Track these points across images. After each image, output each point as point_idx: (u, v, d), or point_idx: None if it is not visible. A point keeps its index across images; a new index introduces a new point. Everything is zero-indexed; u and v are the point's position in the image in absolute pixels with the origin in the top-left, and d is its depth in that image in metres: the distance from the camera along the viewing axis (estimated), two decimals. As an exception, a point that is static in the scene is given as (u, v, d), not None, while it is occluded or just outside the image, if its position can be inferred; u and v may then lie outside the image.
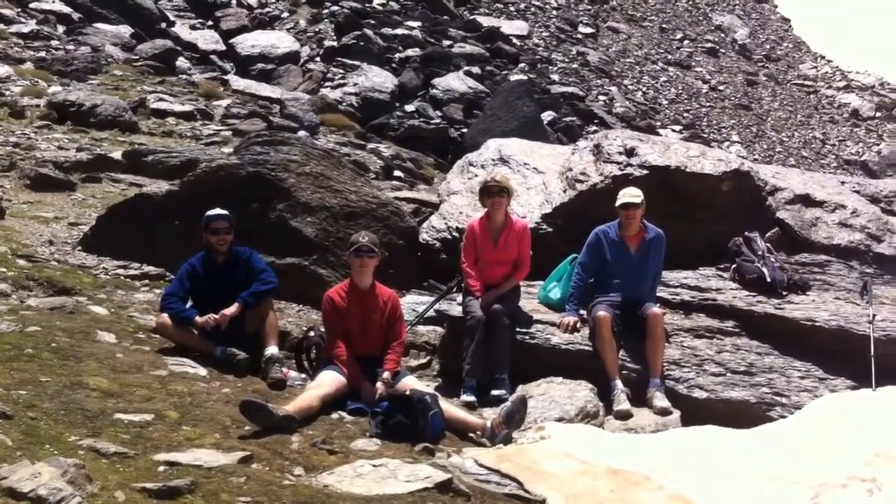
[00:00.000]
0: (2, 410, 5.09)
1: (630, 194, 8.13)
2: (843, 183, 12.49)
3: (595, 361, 7.66)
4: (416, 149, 24.20)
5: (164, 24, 30.20)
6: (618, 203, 8.12)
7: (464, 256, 8.29)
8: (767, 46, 51.67)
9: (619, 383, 7.47)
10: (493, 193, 8.24)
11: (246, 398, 5.97)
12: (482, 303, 7.91)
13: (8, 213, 11.22)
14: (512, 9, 41.86)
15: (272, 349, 7.38)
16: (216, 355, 7.32)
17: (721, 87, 43.93)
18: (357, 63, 29.50)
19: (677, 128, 36.92)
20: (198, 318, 7.48)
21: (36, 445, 4.74)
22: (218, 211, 7.87)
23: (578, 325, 8.05)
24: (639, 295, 8.00)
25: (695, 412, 7.30)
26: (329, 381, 6.74)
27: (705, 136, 36.84)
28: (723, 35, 50.14)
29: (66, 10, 28.31)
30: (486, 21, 37.77)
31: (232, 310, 7.51)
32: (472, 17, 37.99)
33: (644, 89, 40.17)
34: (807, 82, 49.40)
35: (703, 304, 8.61)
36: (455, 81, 29.74)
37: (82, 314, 7.79)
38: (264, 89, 25.90)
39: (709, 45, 47.80)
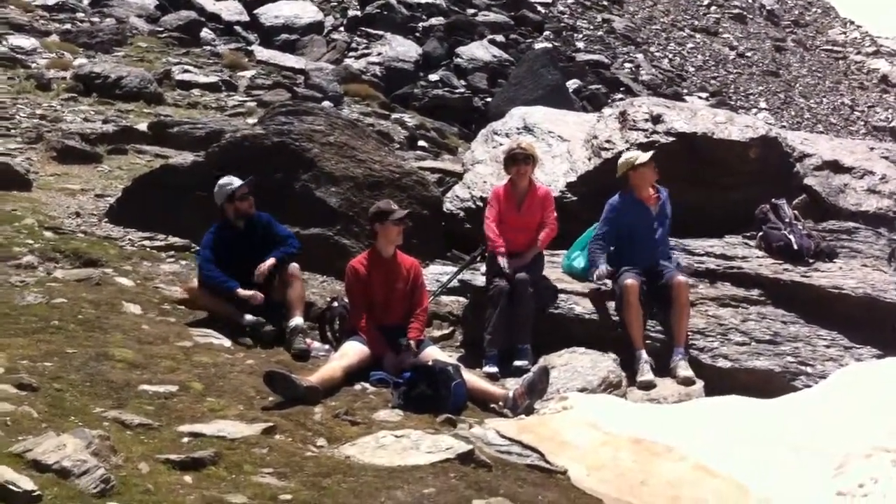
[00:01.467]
0: (28, 382, 5.15)
1: (632, 158, 8.16)
2: (871, 149, 12.32)
3: (618, 331, 7.64)
4: (441, 118, 24.10)
5: (188, -5, 30.13)
6: (628, 168, 8.10)
7: (487, 213, 8.27)
8: (796, 12, 50.96)
9: (643, 353, 7.44)
10: (519, 161, 8.22)
11: (270, 369, 6.01)
12: (507, 267, 7.86)
13: (35, 185, 11.32)
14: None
15: (297, 320, 7.42)
16: (244, 324, 7.37)
17: (748, 54, 43.39)
18: (381, 33, 29.36)
19: (704, 95, 36.52)
20: (240, 291, 7.54)
21: (61, 417, 4.80)
22: (237, 180, 7.92)
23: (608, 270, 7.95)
24: (657, 259, 7.97)
25: (719, 382, 7.26)
26: (352, 351, 6.76)
27: (732, 103, 36.42)
28: (750, 1, 49.46)
29: (91, -19, 28.33)
30: (510, -12, 37.42)
31: (269, 263, 7.66)
32: (496, -15, 37.65)
33: (670, 56, 39.74)
34: (835, 48, 48.70)
35: (729, 273, 8.54)
36: (479, 50, 29.52)
37: (108, 285, 7.87)
38: (288, 60, 25.81)
39: (736, 10, 47.18)
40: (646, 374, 7.28)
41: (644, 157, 8.07)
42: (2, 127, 13.97)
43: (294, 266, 7.82)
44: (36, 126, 14.22)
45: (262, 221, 8.00)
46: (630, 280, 7.67)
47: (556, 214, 8.32)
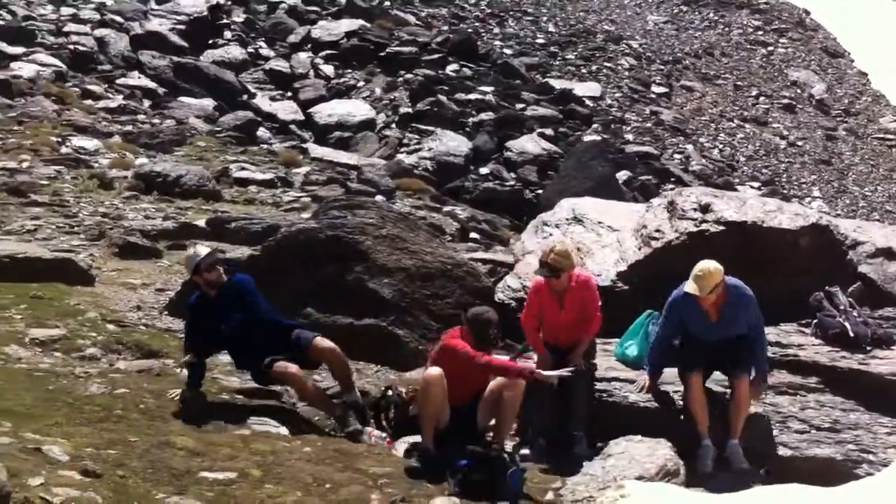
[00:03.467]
0: (92, 469, 5.27)
1: (694, 283, 7.60)
2: (926, 236, 12.20)
3: (675, 420, 7.60)
4: (492, 211, 24.34)
5: (245, 97, 31.08)
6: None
7: (526, 311, 8.25)
8: (846, 101, 50.96)
9: (708, 441, 7.37)
10: (547, 274, 7.99)
11: None
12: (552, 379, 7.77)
13: (98, 281, 11.62)
14: (584, 71, 42.07)
15: (351, 395, 7.61)
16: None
17: (800, 143, 43.38)
18: (431, 128, 29.93)
19: (756, 184, 36.48)
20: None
21: (125, 503, 4.89)
22: (204, 250, 8.05)
23: (649, 385, 7.89)
24: (727, 360, 7.70)
25: (779, 470, 7.17)
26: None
27: (785, 192, 36.31)
28: (799, 91, 49.64)
29: (152, 84, 29.35)
30: (558, 84, 37.99)
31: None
32: (544, 81, 38.28)
33: (720, 146, 39.86)
34: (888, 136, 48.50)
35: (785, 360, 8.47)
36: (529, 143, 29.93)
37: (169, 376, 8.03)
38: (342, 156, 26.42)
39: (785, 101, 47.33)
40: (706, 464, 7.22)
41: (692, 290, 7.58)
42: (66, 225, 14.44)
43: (321, 341, 7.82)
44: (98, 223, 14.68)
45: (234, 285, 7.99)
46: (694, 376, 7.59)
47: (598, 303, 8.10)
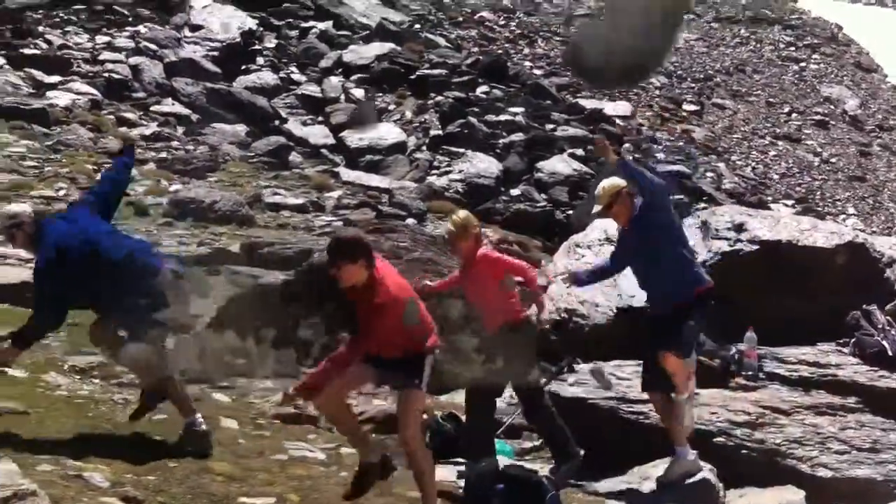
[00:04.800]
0: (133, 495, 5.33)
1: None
2: (965, 252, 12.05)
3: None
4: (523, 232, 24.32)
5: (277, 122, 31.34)
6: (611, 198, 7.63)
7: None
8: (879, 116, 50.51)
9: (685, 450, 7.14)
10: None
11: None
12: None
13: (134, 307, 11.72)
14: (614, 90, 42.08)
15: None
16: None
17: (833, 160, 43.03)
18: (462, 150, 30.01)
19: (790, 202, 36.23)
20: None
21: (165, 529, 4.94)
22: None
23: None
24: (662, 289, 7.44)
25: (819, 492, 7.12)
26: None
27: (819, 209, 36.01)
28: (832, 107, 49.28)
29: (185, 111, 29.68)
30: (588, 104, 37.99)
31: None
32: (574, 101, 38.30)
33: (753, 164, 39.65)
34: (924, 151, 48.00)
35: (823, 381, 8.43)
36: (560, 164, 29.94)
37: (206, 402, 8.09)
38: (373, 180, 26.56)
39: (818, 117, 47.00)
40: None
41: (596, 209, 7.73)
42: (103, 252, 14.58)
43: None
44: (135, 250, 14.81)
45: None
46: (651, 395, 7.48)
47: (511, 262, 7.92)
